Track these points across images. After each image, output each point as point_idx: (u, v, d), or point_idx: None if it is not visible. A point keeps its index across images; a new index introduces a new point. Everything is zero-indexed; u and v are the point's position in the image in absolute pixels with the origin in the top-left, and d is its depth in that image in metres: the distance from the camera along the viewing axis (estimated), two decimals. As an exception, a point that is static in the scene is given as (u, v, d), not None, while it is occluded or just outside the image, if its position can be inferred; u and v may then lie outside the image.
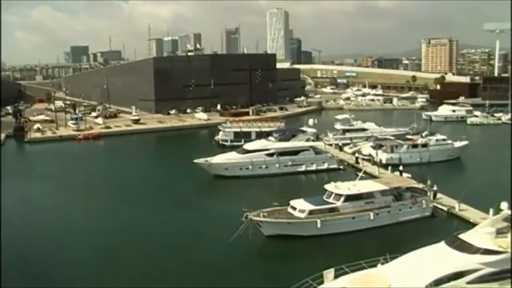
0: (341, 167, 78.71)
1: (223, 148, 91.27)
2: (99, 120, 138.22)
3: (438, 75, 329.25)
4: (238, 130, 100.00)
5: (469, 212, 53.62)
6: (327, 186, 51.82)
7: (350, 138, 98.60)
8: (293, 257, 43.65)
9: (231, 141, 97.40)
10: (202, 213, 56.26)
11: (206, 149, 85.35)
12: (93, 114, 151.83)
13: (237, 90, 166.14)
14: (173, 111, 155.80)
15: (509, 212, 38.75)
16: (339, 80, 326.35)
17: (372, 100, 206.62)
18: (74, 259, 43.79)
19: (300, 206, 48.70)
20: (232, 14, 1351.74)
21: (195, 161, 72.40)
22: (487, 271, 33.02)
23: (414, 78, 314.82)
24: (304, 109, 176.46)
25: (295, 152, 77.09)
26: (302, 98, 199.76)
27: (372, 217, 49.92)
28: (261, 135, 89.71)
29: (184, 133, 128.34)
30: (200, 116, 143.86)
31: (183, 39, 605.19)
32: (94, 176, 78.75)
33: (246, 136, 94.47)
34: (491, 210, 47.39)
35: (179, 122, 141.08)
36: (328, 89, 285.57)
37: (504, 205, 39.89)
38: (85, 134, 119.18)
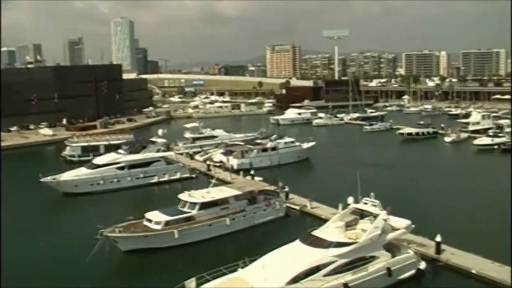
0: (194, 175, 78.63)
1: (71, 164, 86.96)
2: None
3: (283, 80, 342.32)
4: (86, 144, 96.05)
5: (320, 209, 56.22)
6: (181, 196, 51.54)
7: (201, 146, 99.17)
8: (153, 270, 42.77)
9: (79, 156, 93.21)
10: (53, 235, 52.71)
11: (53, 167, 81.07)
12: None
13: (83, 103, 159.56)
14: (14, 128, 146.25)
15: (355, 205, 40.97)
16: (187, 89, 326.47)
17: (220, 107, 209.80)
18: None
19: (156, 218, 47.91)
20: (75, 24, 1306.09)
21: (42, 179, 68.18)
22: (341, 262, 34.94)
23: (260, 84, 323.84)
24: (153, 119, 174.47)
25: (146, 163, 75.72)
26: (151, 108, 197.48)
27: (228, 223, 50.43)
28: (110, 148, 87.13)
29: (28, 150, 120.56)
30: (45, 132, 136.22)
31: (21, 49, 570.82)
32: None
33: (94, 150, 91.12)
34: (340, 205, 49.80)
35: (22, 139, 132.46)
36: (176, 98, 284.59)
37: (350, 199, 42.12)
38: None
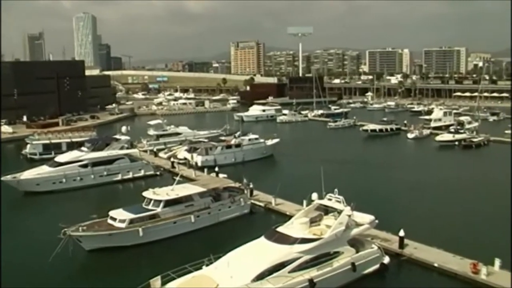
0: (158, 172, 78.18)
1: (32, 162, 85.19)
2: None
3: (247, 77, 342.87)
4: (48, 142, 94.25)
5: (285, 206, 56.50)
6: (145, 193, 51.12)
7: (165, 143, 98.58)
8: (118, 269, 42.34)
9: (40, 154, 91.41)
10: (14, 236, 51.12)
11: (13, 165, 79.42)
12: None
13: (45, 100, 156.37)
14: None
15: (320, 201, 41.24)
16: (150, 86, 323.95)
17: (185, 104, 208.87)
18: None
19: (120, 216, 47.38)
20: (35, 18, 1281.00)
21: (1, 178, 66.78)
22: (306, 259, 35.13)
23: (224, 80, 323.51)
24: (116, 116, 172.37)
25: (110, 161, 74.78)
26: (114, 105, 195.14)
27: (193, 220, 50.29)
28: (72, 146, 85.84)
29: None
30: (4, 129, 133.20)
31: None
32: None
33: (56, 148, 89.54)
34: (304, 202, 50.14)
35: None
36: (140, 95, 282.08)
37: (314, 195, 42.39)
38: None
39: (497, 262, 38.04)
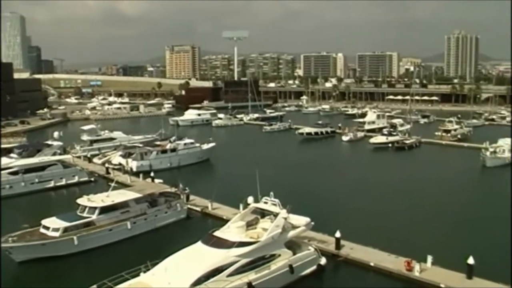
0: (92, 179, 76.37)
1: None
2: None
3: (182, 81, 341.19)
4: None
5: (222, 210, 56.42)
6: (79, 200, 49.81)
7: (99, 149, 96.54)
8: (52, 280, 40.72)
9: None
10: None
11: None
12: None
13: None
14: None
15: (256, 205, 41.37)
16: (84, 90, 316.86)
17: (119, 108, 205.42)
18: None
19: (53, 225, 45.89)
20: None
21: None
22: (243, 262, 35.15)
23: (159, 84, 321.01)
24: (48, 121, 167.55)
25: (41, 168, 72.30)
26: (45, 110, 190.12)
27: (129, 227, 49.44)
28: (0, 152, 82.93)
29: None
30: None
31: None
32: None
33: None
34: (240, 205, 50.18)
35: None
36: (73, 99, 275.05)
37: (250, 199, 42.52)
38: None
39: (429, 258, 39.38)
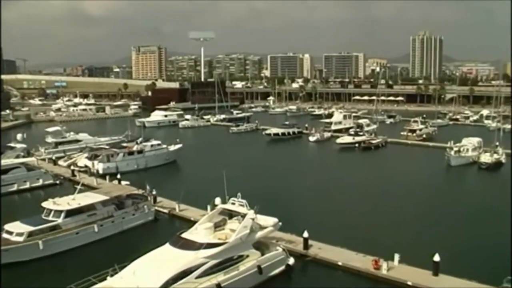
0: (58, 181, 75.00)
1: None
2: None
3: (149, 82, 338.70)
4: None
5: (189, 211, 56.15)
6: (44, 204, 48.87)
7: (64, 151, 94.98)
8: (16, 287, 40.02)
9: None
10: None
11: None
12: None
13: None
14: None
15: (223, 206, 41.32)
16: (48, 91, 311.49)
17: (85, 110, 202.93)
18: None
19: (17, 229, 44.88)
20: None
21: None
22: (212, 263, 35.06)
23: (125, 85, 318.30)
24: (10, 123, 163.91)
25: (4, 171, 70.46)
26: (8, 111, 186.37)
27: (96, 230, 48.78)
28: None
29: None
30: None
31: None
32: None
33: None
34: (208, 207, 50.04)
35: None
36: (36, 101, 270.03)
37: (218, 200, 42.48)
38: None
39: (396, 257, 39.87)
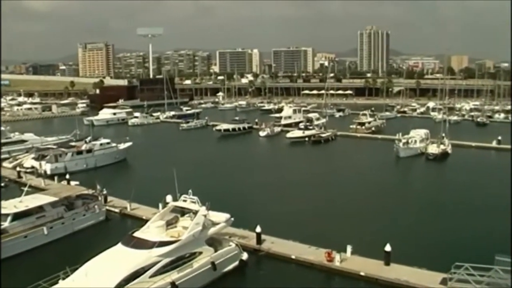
0: (3, 184, 73.01)
1: None
2: None
3: (96, 80, 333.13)
4: None
5: (141, 210, 55.63)
6: (-11, 207, 47.70)
7: (9, 152, 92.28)
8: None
9: None
10: None
11: None
12: None
13: None
14: None
15: (175, 203, 41.13)
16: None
17: (30, 109, 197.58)
18: None
19: (-38, 235, 43.69)
20: None
21: None
22: (165, 262, 34.82)
23: (72, 83, 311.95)
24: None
25: None
26: None
27: (46, 232, 47.64)
28: None
29: None
30: None
31: None
32: None
33: None
34: (160, 205, 49.71)
35: None
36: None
37: (169, 197, 42.30)
38: None
39: (349, 248, 40.65)
